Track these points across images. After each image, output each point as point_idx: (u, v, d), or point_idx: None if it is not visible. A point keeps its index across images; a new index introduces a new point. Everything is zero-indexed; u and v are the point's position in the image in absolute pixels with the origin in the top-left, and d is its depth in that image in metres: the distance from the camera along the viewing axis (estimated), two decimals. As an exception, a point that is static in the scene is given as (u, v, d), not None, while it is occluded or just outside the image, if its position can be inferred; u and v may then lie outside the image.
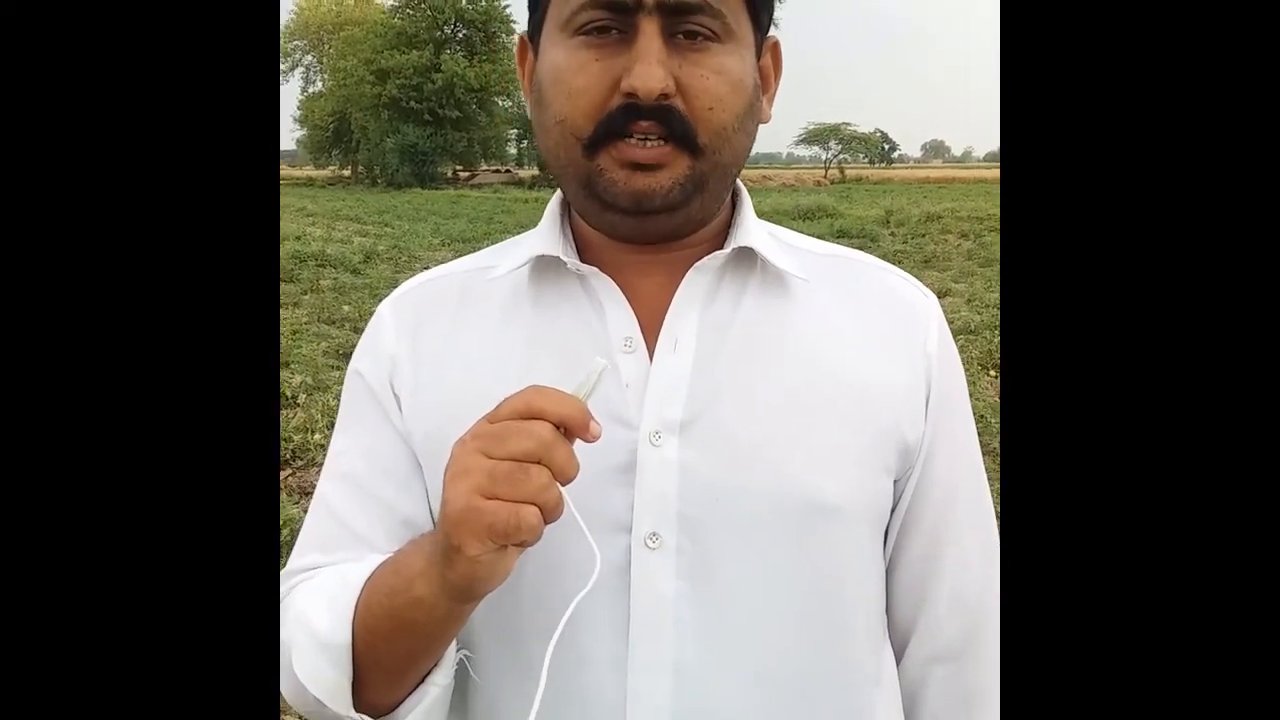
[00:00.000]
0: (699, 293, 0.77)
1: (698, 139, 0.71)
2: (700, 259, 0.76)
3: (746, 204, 0.81)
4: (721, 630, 0.72)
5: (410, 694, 0.72)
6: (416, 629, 0.67)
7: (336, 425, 0.84)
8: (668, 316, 0.76)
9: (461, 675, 0.75)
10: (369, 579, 0.71)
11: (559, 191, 0.81)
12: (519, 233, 0.90)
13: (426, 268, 0.89)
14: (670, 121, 0.69)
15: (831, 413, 0.75)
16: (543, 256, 0.78)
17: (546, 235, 0.79)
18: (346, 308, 7.93)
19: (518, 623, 0.74)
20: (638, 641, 0.71)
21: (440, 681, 0.72)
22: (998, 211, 15.53)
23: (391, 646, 0.69)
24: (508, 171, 48.75)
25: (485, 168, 47.81)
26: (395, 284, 0.94)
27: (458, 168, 44.81)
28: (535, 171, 42.74)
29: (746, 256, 0.79)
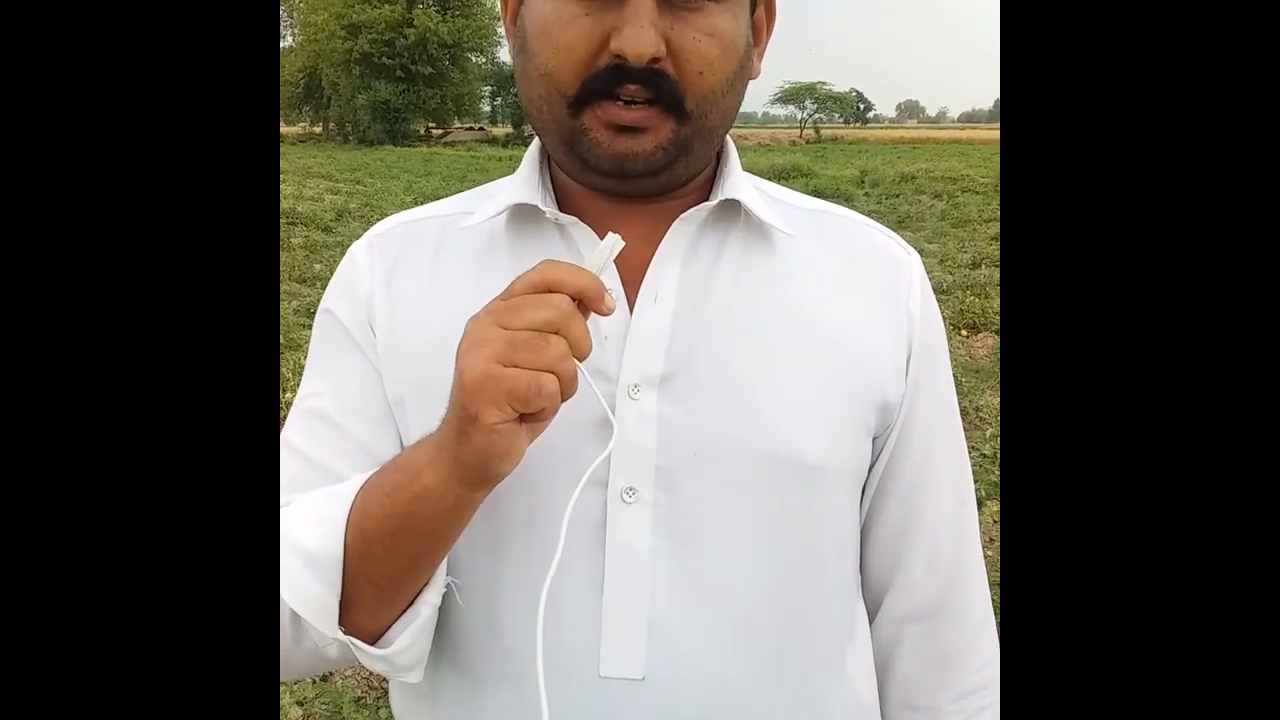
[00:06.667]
0: (681, 245, 0.75)
1: (685, 103, 0.69)
2: (684, 211, 0.75)
3: (733, 157, 0.80)
4: (696, 585, 0.72)
5: (400, 616, 0.70)
6: (420, 526, 0.65)
7: (306, 369, 0.81)
8: (650, 269, 0.74)
9: (443, 615, 0.74)
10: (363, 486, 0.69)
11: (537, 139, 0.79)
12: None
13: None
14: (658, 85, 0.68)
15: (812, 368, 0.74)
16: (521, 205, 0.76)
17: (525, 183, 0.77)
18: (318, 266, 7.84)
19: (500, 547, 0.72)
20: (612, 597, 0.71)
21: (432, 600, 0.70)
22: (971, 172, 15.51)
23: (390, 553, 0.66)
24: (481, 129, 48.11)
25: (458, 125, 47.11)
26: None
27: (430, 125, 44.11)
28: (509, 129, 42.17)
29: (730, 209, 0.77)
